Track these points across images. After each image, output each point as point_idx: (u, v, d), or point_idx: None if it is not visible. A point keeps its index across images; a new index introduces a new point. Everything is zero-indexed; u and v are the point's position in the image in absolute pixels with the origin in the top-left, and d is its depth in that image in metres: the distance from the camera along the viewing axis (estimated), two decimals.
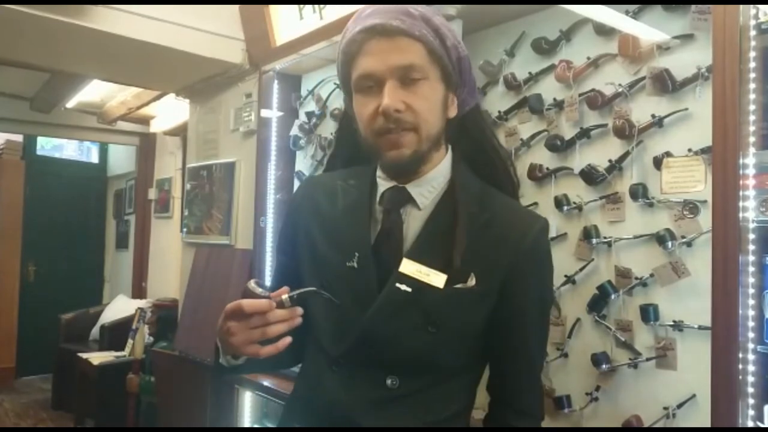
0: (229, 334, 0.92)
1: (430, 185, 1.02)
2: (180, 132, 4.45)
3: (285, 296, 0.90)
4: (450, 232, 0.98)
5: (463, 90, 1.03)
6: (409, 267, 0.97)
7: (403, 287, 0.96)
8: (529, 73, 1.71)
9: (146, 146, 5.30)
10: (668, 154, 1.40)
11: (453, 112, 1.02)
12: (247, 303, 0.89)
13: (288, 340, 0.92)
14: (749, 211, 1.15)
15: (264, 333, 0.90)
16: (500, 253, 0.99)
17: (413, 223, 1.01)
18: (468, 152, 1.07)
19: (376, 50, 0.93)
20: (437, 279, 0.96)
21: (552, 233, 1.61)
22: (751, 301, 1.14)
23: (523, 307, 1.01)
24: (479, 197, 1.03)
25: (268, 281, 2.51)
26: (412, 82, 0.94)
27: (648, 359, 1.41)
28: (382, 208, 1.03)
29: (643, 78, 1.46)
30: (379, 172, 1.06)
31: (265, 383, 2.19)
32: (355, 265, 1.00)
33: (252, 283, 0.93)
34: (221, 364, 1.02)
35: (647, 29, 1.46)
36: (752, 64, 1.16)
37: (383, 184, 1.04)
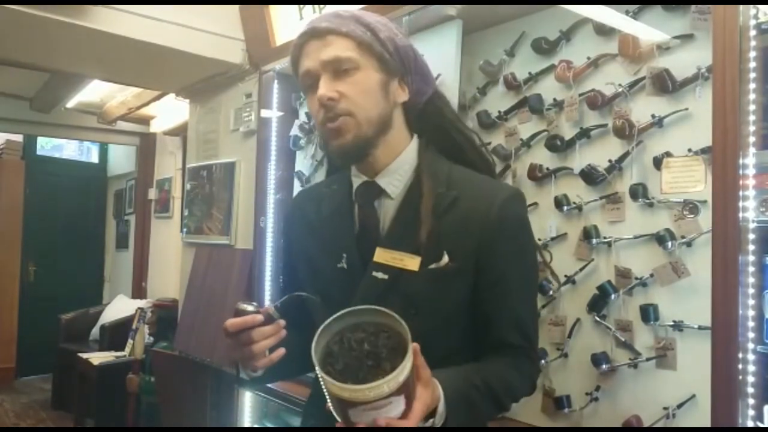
0: (231, 351, 0.97)
1: (398, 174, 1.06)
2: (180, 132, 4.45)
3: (271, 307, 0.95)
4: (419, 215, 1.01)
5: (412, 77, 1.07)
6: (383, 255, 1.01)
7: (380, 275, 1.00)
8: (529, 73, 1.71)
9: (146, 146, 5.30)
10: (668, 154, 1.40)
11: (403, 97, 1.06)
12: (230, 323, 0.94)
13: (282, 351, 0.97)
14: (749, 211, 1.15)
15: (252, 350, 0.94)
16: (469, 227, 1.01)
17: (388, 212, 1.05)
18: (434, 138, 1.11)
19: (310, 51, 1.02)
20: (411, 262, 0.99)
21: (552, 233, 1.62)
22: (751, 301, 1.14)
23: (501, 276, 1.02)
24: (446, 177, 1.05)
25: (267, 281, 2.50)
26: (345, 73, 1.00)
27: (648, 359, 1.41)
28: (357, 204, 1.07)
29: (643, 78, 1.46)
30: (353, 170, 1.10)
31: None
32: (345, 265, 1.04)
33: (240, 304, 0.96)
34: (243, 378, 1.06)
35: (647, 29, 1.46)
36: (752, 64, 1.16)
37: (356, 181, 1.08)
